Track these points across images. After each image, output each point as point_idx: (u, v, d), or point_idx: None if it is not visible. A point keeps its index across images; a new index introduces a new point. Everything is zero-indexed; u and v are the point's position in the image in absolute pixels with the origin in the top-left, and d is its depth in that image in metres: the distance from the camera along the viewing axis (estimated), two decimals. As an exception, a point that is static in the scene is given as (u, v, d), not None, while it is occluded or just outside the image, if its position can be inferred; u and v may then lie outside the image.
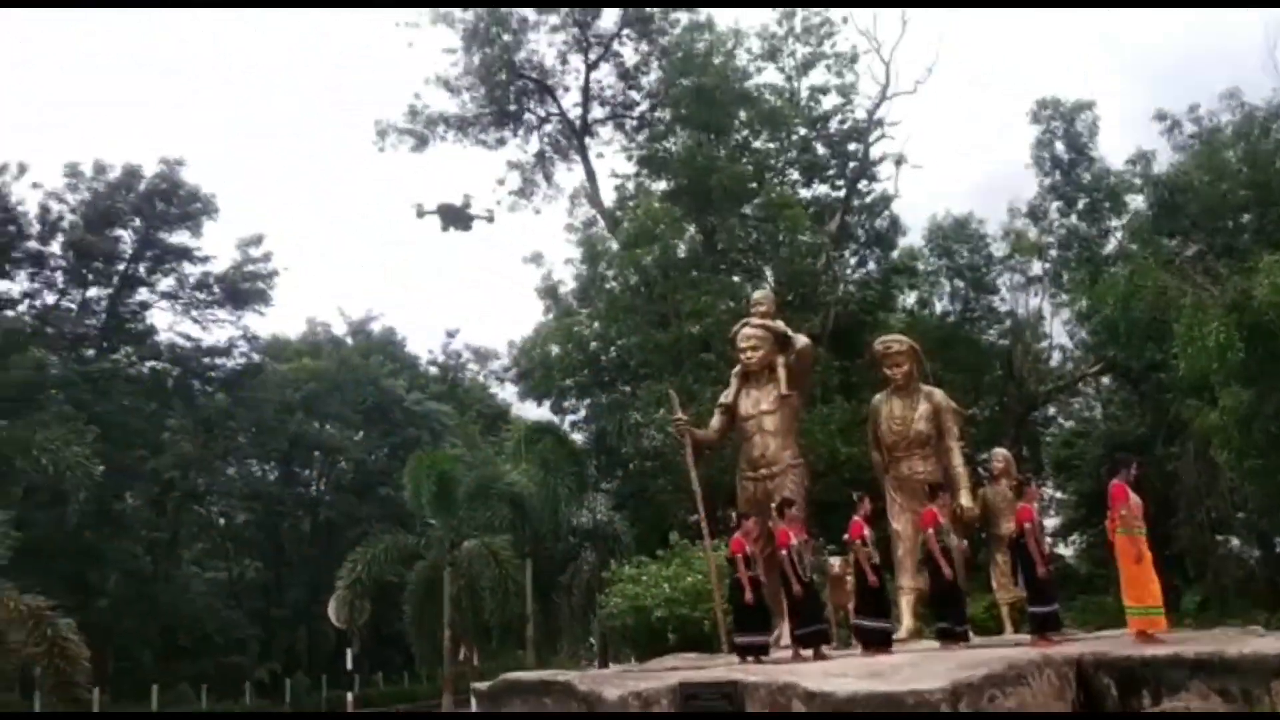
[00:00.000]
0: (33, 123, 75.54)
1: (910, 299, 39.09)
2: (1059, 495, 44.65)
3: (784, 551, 11.55)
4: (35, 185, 39.16)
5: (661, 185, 34.86)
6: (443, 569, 22.85)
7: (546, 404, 36.50)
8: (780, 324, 15.22)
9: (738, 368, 15.01)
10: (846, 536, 12.03)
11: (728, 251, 33.49)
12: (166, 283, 41.51)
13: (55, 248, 39.62)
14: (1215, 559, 30.10)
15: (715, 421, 15.20)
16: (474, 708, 12.16)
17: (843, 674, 9.24)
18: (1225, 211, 29.80)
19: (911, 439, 14.23)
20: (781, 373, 14.55)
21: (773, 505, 12.66)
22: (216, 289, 41.55)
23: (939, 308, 39.32)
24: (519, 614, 24.16)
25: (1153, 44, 73.95)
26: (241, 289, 41.72)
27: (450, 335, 60.33)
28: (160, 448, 40.90)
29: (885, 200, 38.02)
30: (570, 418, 34.96)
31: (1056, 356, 41.50)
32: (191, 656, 39.39)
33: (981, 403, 38.68)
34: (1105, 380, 41.13)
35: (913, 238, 39.35)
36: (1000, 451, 14.85)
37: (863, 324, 32.22)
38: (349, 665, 23.48)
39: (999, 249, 38.71)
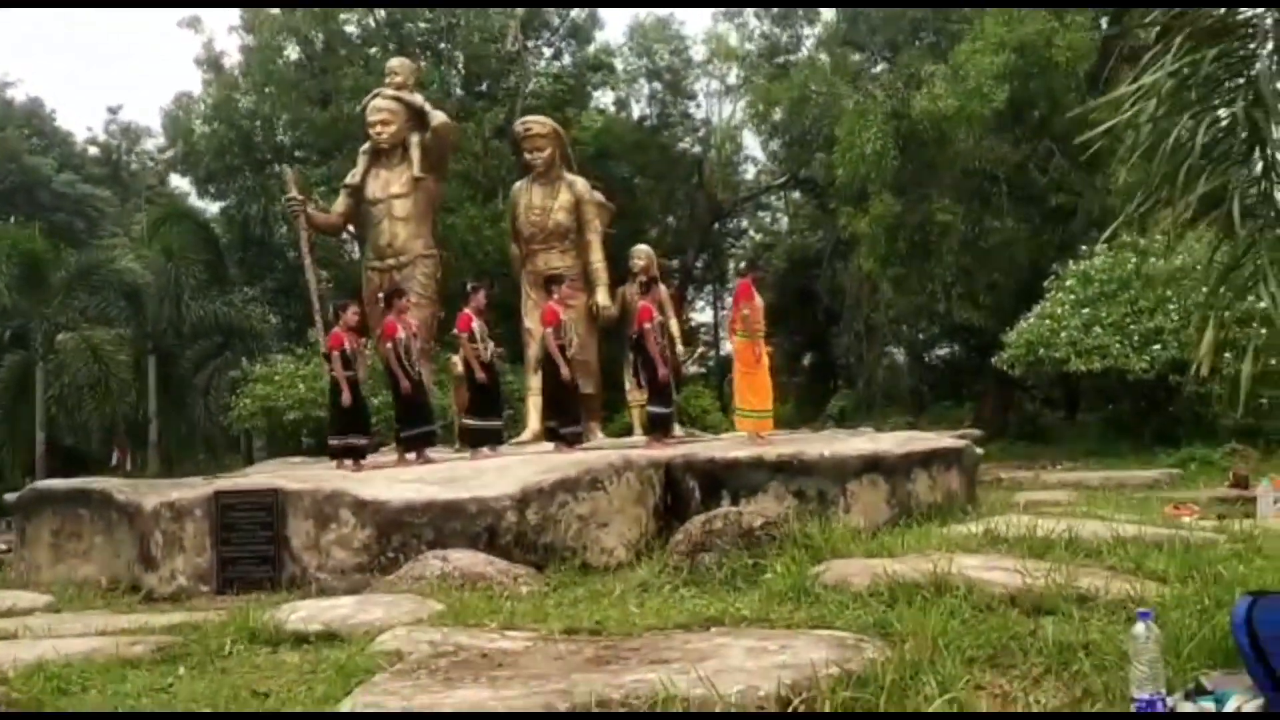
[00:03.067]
0: None
1: (607, 99, 37.59)
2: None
3: (388, 345, 10.40)
4: None
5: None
6: (35, 365, 20.04)
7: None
8: (418, 97, 13.60)
9: (367, 145, 13.34)
10: (455, 330, 11.00)
11: (411, 33, 30.41)
12: None
13: None
14: (867, 366, 31.69)
15: (339, 204, 13.63)
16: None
17: (414, 480, 8.36)
18: (907, 27, 29.79)
19: (550, 231, 13.34)
20: (415, 153, 13.08)
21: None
22: None
23: (636, 111, 38.11)
24: (142, 416, 21.87)
25: None
26: None
27: (113, 111, 53.04)
28: None
29: (583, -13, 35.71)
30: (221, 204, 31.36)
31: (750, 169, 41.73)
32: None
33: (677, 213, 38.55)
34: (796, 195, 41.97)
35: (613, 33, 37.57)
36: (642, 248, 14.14)
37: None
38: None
39: (699, 53, 37.78)
